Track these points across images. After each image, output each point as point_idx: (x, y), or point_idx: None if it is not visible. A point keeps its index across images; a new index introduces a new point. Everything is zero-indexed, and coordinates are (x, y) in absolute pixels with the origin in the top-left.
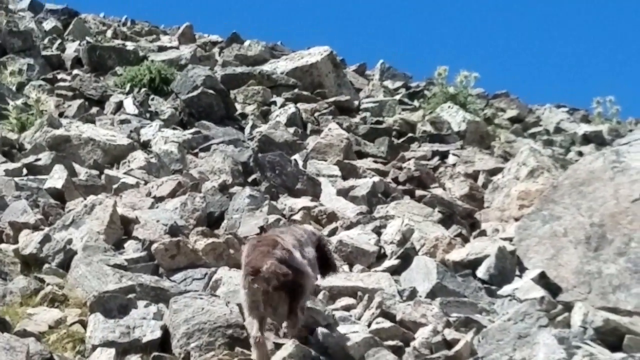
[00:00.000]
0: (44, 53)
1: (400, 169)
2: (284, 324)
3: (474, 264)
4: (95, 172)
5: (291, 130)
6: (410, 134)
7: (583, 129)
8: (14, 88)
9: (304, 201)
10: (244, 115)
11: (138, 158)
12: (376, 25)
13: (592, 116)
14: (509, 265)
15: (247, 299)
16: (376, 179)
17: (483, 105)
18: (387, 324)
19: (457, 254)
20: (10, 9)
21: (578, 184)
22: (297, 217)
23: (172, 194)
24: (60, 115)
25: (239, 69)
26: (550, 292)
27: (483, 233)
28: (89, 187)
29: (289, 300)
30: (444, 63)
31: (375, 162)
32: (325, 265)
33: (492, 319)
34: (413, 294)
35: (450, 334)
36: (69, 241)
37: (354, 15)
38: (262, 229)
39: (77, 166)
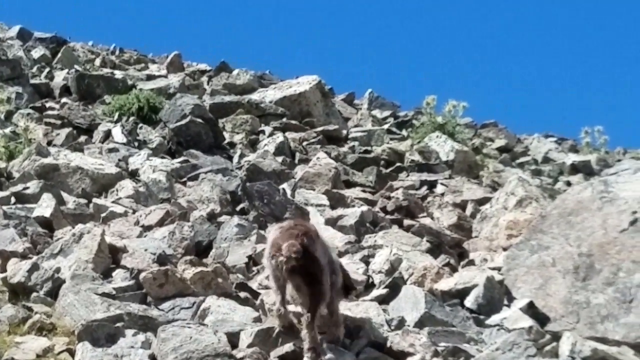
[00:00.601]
0: (32, 81)
1: (389, 198)
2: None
3: (462, 293)
4: (83, 200)
5: (279, 159)
6: (398, 164)
7: (571, 158)
8: (2, 116)
9: None
10: (232, 144)
11: (126, 187)
12: (364, 54)
13: (581, 146)
14: (497, 295)
15: (271, 273)
16: (364, 208)
17: (471, 135)
18: (375, 353)
19: (446, 284)
20: None
21: (566, 214)
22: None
23: (161, 223)
24: (49, 143)
25: (228, 98)
26: (538, 322)
27: (471, 262)
28: (77, 216)
29: (308, 289)
30: (432, 92)
31: (364, 191)
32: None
33: (480, 348)
34: (401, 323)
35: None
36: (57, 270)
37: (342, 45)
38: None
39: (65, 195)
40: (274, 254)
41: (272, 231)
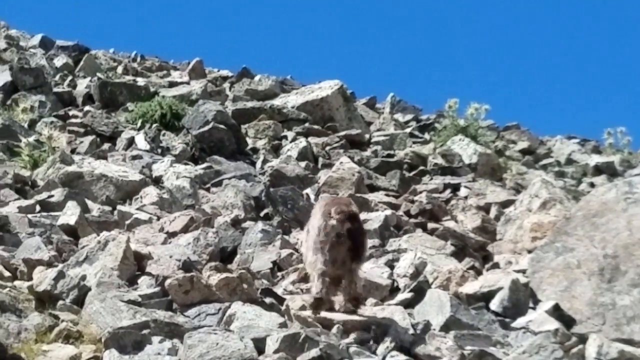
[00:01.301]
0: (55, 90)
1: (412, 202)
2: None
3: (487, 296)
4: (108, 208)
5: (302, 164)
6: (421, 167)
7: (595, 160)
8: (26, 125)
9: None
10: (255, 150)
11: (150, 194)
12: (386, 58)
13: (604, 147)
14: (522, 298)
15: (315, 241)
16: (388, 212)
17: (494, 138)
18: (401, 357)
19: (471, 287)
20: (21, 46)
21: (591, 215)
22: None
23: (185, 229)
24: (72, 151)
25: (250, 104)
26: (564, 324)
27: (496, 265)
28: (102, 223)
29: (351, 252)
30: (454, 95)
31: (387, 195)
32: None
33: (506, 351)
34: (427, 327)
35: None
36: (83, 277)
37: (364, 49)
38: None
39: (89, 202)
40: (327, 217)
41: (319, 204)
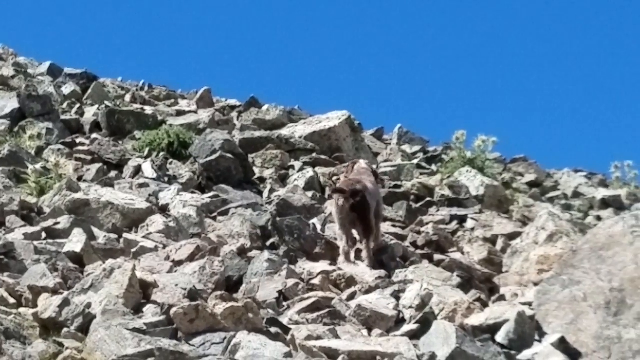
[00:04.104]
0: (62, 117)
1: (419, 233)
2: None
3: (493, 328)
4: (114, 235)
5: (309, 194)
6: (428, 198)
7: (601, 193)
8: (33, 152)
9: (323, 265)
10: (262, 179)
11: (157, 222)
12: (394, 89)
13: (611, 180)
14: (528, 330)
15: (337, 217)
16: (394, 243)
17: (501, 170)
18: None
19: (476, 319)
20: (29, 74)
21: (597, 248)
22: (316, 281)
23: (191, 258)
24: (79, 179)
25: (257, 133)
26: (570, 357)
27: (502, 297)
28: (108, 251)
29: (361, 219)
30: (462, 127)
31: (394, 226)
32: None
33: None
34: (432, 358)
35: None
36: (88, 305)
37: (372, 80)
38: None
39: (95, 230)
40: (339, 196)
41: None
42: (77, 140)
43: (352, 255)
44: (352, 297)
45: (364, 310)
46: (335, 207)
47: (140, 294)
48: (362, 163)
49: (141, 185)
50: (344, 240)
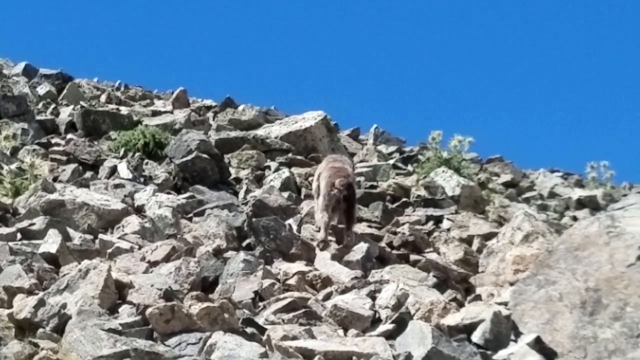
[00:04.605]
0: (38, 117)
1: (395, 233)
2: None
3: (469, 328)
4: (89, 236)
5: (285, 194)
6: (404, 199)
7: (577, 193)
8: (8, 152)
9: (299, 266)
10: (238, 180)
11: (132, 223)
12: (369, 89)
13: (586, 181)
14: (504, 330)
15: (323, 203)
16: (370, 243)
17: (477, 170)
18: None
19: (452, 319)
20: (4, 74)
21: (573, 248)
22: (292, 281)
23: (167, 259)
24: (55, 179)
25: (233, 134)
26: (545, 357)
27: (478, 298)
28: (83, 252)
29: (348, 209)
30: (438, 127)
31: (370, 226)
32: None
33: None
34: (408, 358)
35: None
36: (64, 306)
37: (347, 80)
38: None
39: (71, 231)
40: (330, 188)
41: (325, 167)
42: (53, 141)
43: (330, 247)
44: (328, 297)
45: (340, 311)
46: (327, 195)
47: (115, 294)
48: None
49: (117, 186)
50: (324, 228)
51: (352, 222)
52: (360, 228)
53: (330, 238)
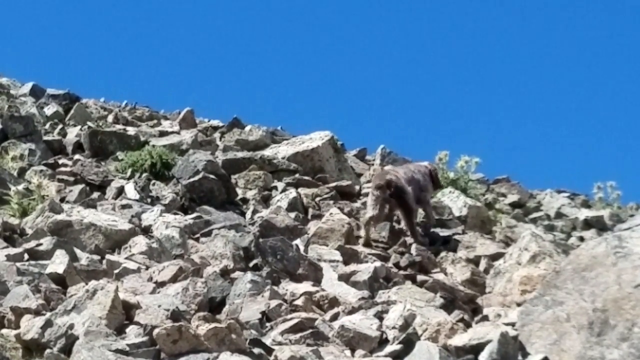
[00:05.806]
0: (45, 138)
1: (402, 254)
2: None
3: (477, 349)
4: (96, 257)
5: (292, 215)
6: None
7: (584, 214)
8: (15, 173)
9: (306, 286)
10: (245, 200)
11: (139, 243)
12: (377, 110)
13: (593, 201)
14: (511, 351)
15: (370, 201)
16: (378, 264)
17: (484, 190)
18: None
19: (459, 339)
20: (11, 94)
21: (580, 269)
22: (299, 302)
23: (174, 279)
24: (62, 200)
25: (240, 154)
26: None
27: (485, 318)
28: (91, 272)
29: (401, 207)
30: (445, 147)
31: (377, 247)
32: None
33: None
34: None
35: None
36: (71, 326)
37: (355, 100)
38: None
39: (78, 251)
40: (375, 186)
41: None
42: (60, 161)
43: (371, 229)
44: (335, 317)
45: (347, 331)
46: (370, 195)
47: (123, 315)
48: (418, 165)
49: (124, 207)
50: (362, 225)
51: (409, 213)
52: (367, 248)
53: (365, 234)
